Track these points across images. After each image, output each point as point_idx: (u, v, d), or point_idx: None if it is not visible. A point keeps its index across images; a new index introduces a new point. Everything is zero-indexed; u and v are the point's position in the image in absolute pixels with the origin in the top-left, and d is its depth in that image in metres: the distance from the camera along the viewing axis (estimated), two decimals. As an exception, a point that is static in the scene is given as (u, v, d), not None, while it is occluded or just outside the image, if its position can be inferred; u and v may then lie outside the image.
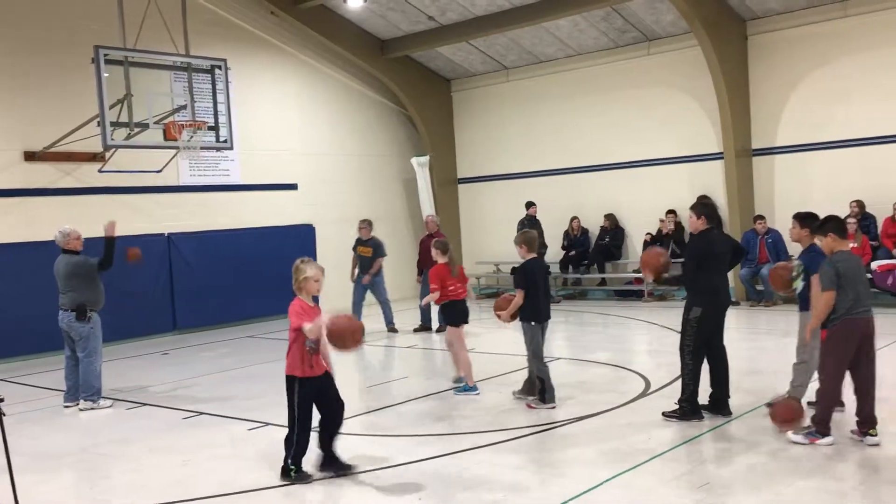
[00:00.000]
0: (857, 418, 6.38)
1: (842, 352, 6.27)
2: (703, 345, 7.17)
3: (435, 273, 9.01)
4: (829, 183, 14.52)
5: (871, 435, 6.22)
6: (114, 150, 12.71)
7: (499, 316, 8.25)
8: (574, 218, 17.58)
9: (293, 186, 17.40)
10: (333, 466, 6.20)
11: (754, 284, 14.83)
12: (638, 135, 16.87)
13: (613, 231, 17.06)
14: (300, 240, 16.71)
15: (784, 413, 6.58)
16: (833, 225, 6.43)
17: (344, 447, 6.34)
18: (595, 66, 17.48)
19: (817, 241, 6.70)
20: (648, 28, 16.27)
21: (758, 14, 15.16)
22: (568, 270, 17.71)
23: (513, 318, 8.10)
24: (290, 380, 5.97)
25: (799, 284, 7.12)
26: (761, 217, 14.83)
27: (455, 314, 9.05)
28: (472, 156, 19.88)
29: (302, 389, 5.93)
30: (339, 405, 6.16)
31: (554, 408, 7.90)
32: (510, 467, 6.26)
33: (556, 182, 18.21)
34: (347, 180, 18.52)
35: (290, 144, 17.49)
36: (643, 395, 8.36)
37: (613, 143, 17.26)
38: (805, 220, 7.14)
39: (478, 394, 8.68)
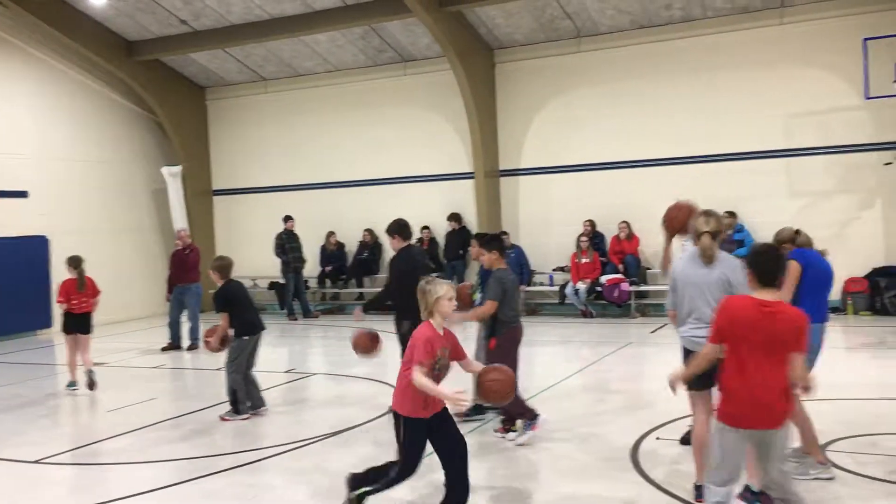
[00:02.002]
0: (502, 416, 7.05)
1: (514, 354, 6.95)
2: None
3: (62, 287, 10.04)
4: (567, 203, 15.82)
5: (513, 430, 6.94)
6: None
7: (207, 343, 8.37)
8: (331, 233, 17.63)
9: (23, 194, 15.79)
10: None
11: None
12: (396, 152, 17.31)
13: (372, 246, 17.33)
14: (31, 252, 15.19)
15: (360, 340, 7.41)
16: (497, 244, 7.22)
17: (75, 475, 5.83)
18: (354, 83, 17.71)
19: (482, 258, 7.32)
20: (405, 49, 16.79)
21: (504, 44, 16.22)
22: (325, 285, 17.71)
23: (223, 344, 8.17)
24: (396, 416, 5.08)
25: (477, 297, 8.00)
26: (505, 233, 15.80)
27: (72, 325, 9.90)
28: (228, 167, 19.27)
29: (408, 430, 5.00)
30: (462, 447, 5.08)
31: (248, 418, 8.02)
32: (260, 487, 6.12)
33: (315, 196, 18.17)
34: (89, 188, 17.13)
35: (20, 148, 15.87)
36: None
37: (372, 159, 17.55)
38: (487, 241, 7.44)
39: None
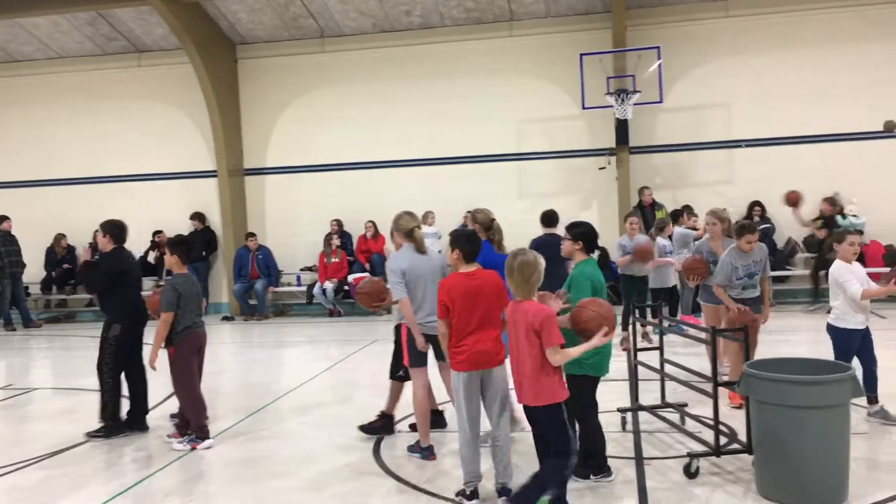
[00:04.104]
0: (178, 422, 6.98)
1: (192, 363, 6.79)
2: (122, 362, 7.23)
3: None
4: (314, 203, 15.81)
5: (188, 435, 6.75)
6: None
7: None
8: (61, 235, 16.18)
9: None
10: None
11: (248, 299, 15.37)
12: (130, 148, 16.26)
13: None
14: None
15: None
16: (179, 249, 6.84)
17: None
18: (81, 73, 16.37)
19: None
20: (139, 39, 15.82)
21: (246, 39, 15.85)
22: (52, 291, 16.22)
23: None
24: (554, 409, 4.64)
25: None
26: (252, 234, 15.46)
27: None
28: (-73, 161, 16.95)
29: (562, 413, 4.71)
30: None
31: None
32: None
33: (39, 195, 16.57)
34: None
35: None
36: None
37: (104, 155, 16.36)
38: (169, 245, 7.20)
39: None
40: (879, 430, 6.34)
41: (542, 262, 4.75)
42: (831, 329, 6.53)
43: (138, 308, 7.36)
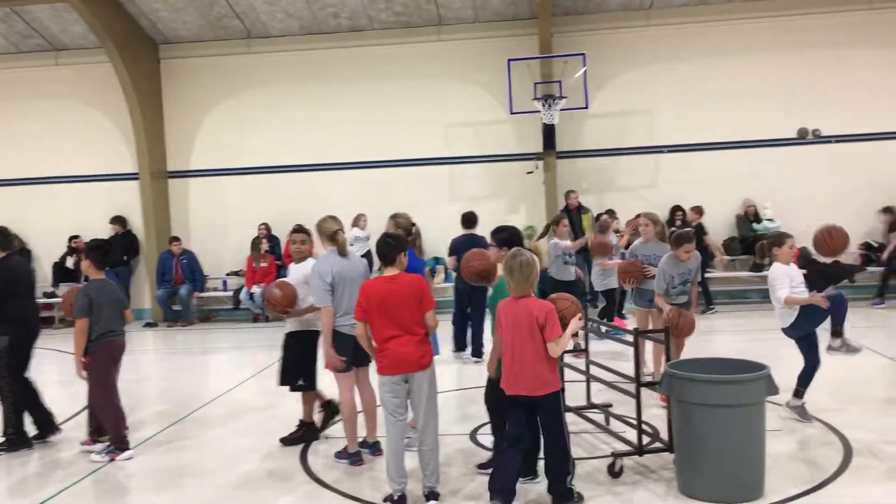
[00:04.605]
0: (89, 428, 6.83)
1: (110, 372, 6.59)
2: (18, 372, 6.97)
3: None
4: (241, 206, 15.52)
5: (101, 441, 6.68)
6: None
7: None
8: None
9: None
10: None
11: (171, 305, 15.00)
12: (46, 149, 15.68)
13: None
14: None
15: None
16: (94, 253, 6.63)
17: None
18: (-4, 71, 15.75)
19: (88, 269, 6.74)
20: (56, 37, 15.29)
21: (169, 39, 15.48)
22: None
23: None
24: (556, 396, 4.98)
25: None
26: (176, 238, 15.09)
27: None
28: None
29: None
30: None
31: None
32: None
33: (-54, 198, 15.84)
34: None
35: None
36: None
37: (20, 157, 15.74)
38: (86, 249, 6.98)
39: None
40: (794, 427, 6.58)
41: (537, 261, 5.07)
42: (785, 331, 6.68)
43: (29, 318, 7.06)
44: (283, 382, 6.72)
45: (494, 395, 5.34)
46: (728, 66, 14.47)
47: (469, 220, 10.34)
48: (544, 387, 4.87)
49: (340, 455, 6.20)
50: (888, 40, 14.11)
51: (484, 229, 14.32)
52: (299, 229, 6.72)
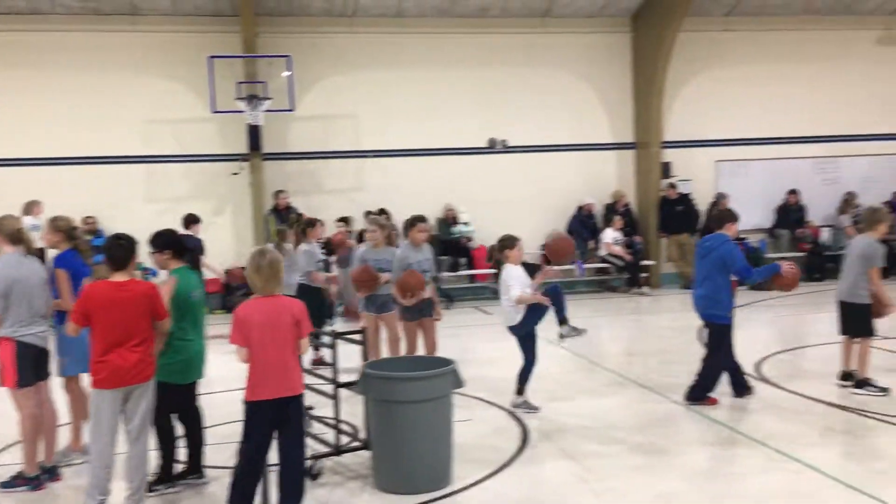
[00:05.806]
0: None
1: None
2: None
3: None
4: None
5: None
6: None
7: None
8: None
9: None
10: None
11: None
12: None
13: None
14: None
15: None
16: None
17: None
18: None
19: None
20: None
21: None
22: None
23: None
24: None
25: None
26: None
27: None
28: None
29: None
30: None
31: None
32: None
33: None
34: None
35: None
36: None
37: None
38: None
39: None
40: (482, 417, 7.10)
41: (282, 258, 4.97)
42: (511, 329, 7.10)
43: None
44: None
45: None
46: (426, 76, 15.23)
47: (187, 220, 10.20)
48: (299, 386, 4.77)
49: (12, 484, 5.57)
50: (560, 61, 15.70)
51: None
52: None
